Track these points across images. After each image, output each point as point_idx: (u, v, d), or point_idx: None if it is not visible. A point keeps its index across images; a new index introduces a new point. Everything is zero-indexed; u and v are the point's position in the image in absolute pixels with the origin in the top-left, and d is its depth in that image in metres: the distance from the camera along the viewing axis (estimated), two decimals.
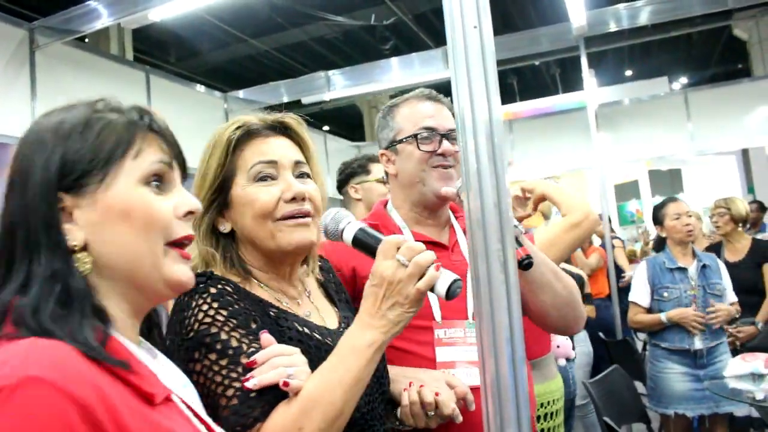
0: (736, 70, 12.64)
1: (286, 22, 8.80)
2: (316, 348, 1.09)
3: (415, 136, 1.51)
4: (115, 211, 0.76)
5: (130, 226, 0.76)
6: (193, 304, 1.04)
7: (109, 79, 5.19)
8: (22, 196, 0.74)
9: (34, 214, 0.73)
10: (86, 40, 6.46)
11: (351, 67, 7.19)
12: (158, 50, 9.41)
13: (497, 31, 0.92)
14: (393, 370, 1.30)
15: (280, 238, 1.13)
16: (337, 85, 6.89)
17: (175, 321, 1.06)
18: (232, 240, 1.18)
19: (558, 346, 2.47)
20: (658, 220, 3.54)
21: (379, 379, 1.19)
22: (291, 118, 1.23)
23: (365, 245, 1.12)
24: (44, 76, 4.50)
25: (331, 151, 8.20)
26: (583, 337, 3.92)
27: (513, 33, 6.57)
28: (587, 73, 5.62)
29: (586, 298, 4.08)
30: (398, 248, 1.05)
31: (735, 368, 3.05)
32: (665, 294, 3.37)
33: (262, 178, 1.15)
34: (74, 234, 0.75)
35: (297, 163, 1.18)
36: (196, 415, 0.81)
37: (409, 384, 1.20)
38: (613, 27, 5.84)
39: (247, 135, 1.19)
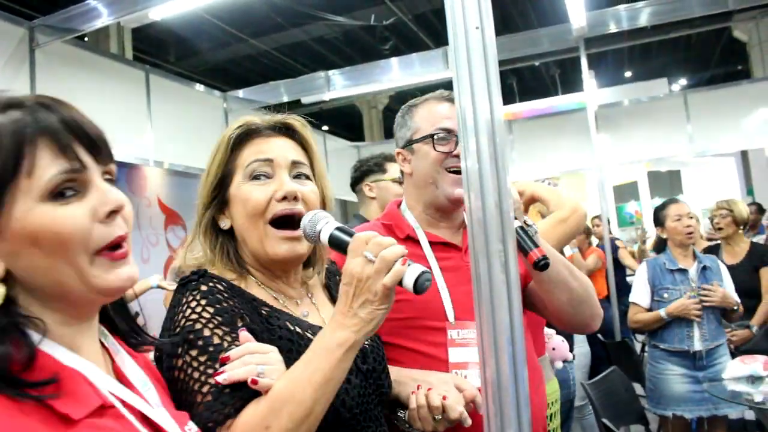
0: (736, 71, 12.68)
1: (286, 22, 8.80)
2: (307, 347, 1.09)
3: (431, 136, 1.51)
4: (22, 238, 0.71)
5: (40, 250, 0.72)
6: (183, 300, 1.06)
7: (109, 78, 5.18)
8: None
9: None
10: (86, 39, 6.46)
11: (351, 67, 7.19)
12: (158, 49, 9.41)
13: (497, 32, 0.92)
14: (402, 373, 1.30)
15: (268, 246, 1.14)
16: (336, 85, 6.88)
17: (167, 317, 1.08)
18: (232, 237, 1.20)
19: (554, 349, 2.45)
20: (659, 221, 3.54)
21: (376, 381, 1.18)
22: (295, 120, 1.23)
23: (340, 245, 1.09)
24: (44, 74, 4.49)
25: (330, 151, 8.20)
26: (582, 337, 3.92)
27: (513, 34, 6.57)
28: (587, 74, 5.62)
29: None
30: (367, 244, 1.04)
31: (733, 370, 3.05)
32: (665, 295, 3.37)
33: (257, 177, 1.16)
34: None
35: (295, 164, 1.19)
36: (145, 418, 0.79)
37: (417, 387, 1.20)
38: (612, 28, 5.84)
39: (249, 134, 1.20)
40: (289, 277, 1.21)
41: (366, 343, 1.21)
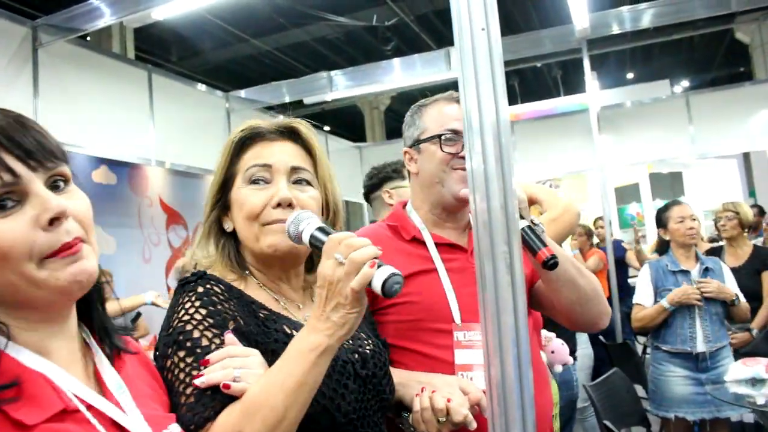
0: (738, 73, 12.65)
1: (288, 23, 8.80)
2: None
3: (439, 136, 1.51)
4: None
5: None
6: (180, 301, 1.07)
7: (111, 78, 5.18)
8: None
9: None
10: (88, 38, 6.46)
11: (353, 68, 7.19)
12: (160, 49, 9.42)
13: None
14: (406, 375, 1.29)
15: (262, 240, 1.14)
16: (338, 86, 6.88)
17: (165, 317, 1.09)
18: (235, 239, 1.20)
19: (552, 352, 2.42)
20: (661, 222, 3.54)
21: (376, 386, 1.17)
22: (299, 123, 1.23)
23: (318, 246, 1.05)
24: (47, 74, 4.50)
25: (332, 152, 8.20)
26: (584, 339, 3.92)
27: (515, 35, 6.57)
28: (589, 76, 5.63)
29: None
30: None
31: (735, 373, 3.05)
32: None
33: (255, 181, 1.17)
34: None
35: (294, 169, 1.18)
36: (113, 423, 0.79)
37: (422, 389, 1.19)
38: (615, 29, 5.84)
39: (252, 138, 1.21)
40: (290, 279, 1.21)
41: (367, 348, 1.20)
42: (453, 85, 0.93)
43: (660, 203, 7.99)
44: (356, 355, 1.16)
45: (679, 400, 3.26)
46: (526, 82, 12.25)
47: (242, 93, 6.97)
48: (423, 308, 1.42)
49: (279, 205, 1.13)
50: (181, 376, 0.99)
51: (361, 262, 0.97)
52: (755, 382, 2.97)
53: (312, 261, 1.25)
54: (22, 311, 0.77)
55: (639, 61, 12.16)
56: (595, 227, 7.01)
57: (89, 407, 0.77)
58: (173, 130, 5.75)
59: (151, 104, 5.54)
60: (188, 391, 0.97)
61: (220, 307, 1.06)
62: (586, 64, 5.63)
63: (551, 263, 1.28)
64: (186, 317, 1.04)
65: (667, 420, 3.35)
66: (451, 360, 1.38)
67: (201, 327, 1.03)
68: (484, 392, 1.19)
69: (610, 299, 5.18)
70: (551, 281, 1.42)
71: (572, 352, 3.05)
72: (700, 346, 3.25)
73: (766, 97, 7.02)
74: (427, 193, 1.55)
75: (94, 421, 0.76)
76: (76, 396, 0.76)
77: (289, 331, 1.11)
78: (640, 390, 3.69)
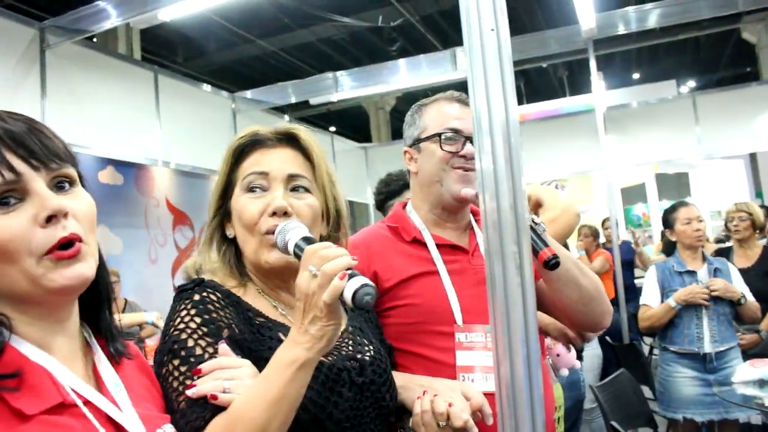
0: (745, 73, 12.61)
1: (294, 23, 8.83)
2: None
3: (438, 135, 1.51)
4: None
5: None
6: (176, 309, 1.08)
7: (118, 79, 5.20)
8: None
9: None
10: (95, 39, 6.49)
11: (358, 69, 7.19)
12: (166, 50, 9.46)
13: None
14: (408, 378, 1.28)
15: (260, 254, 1.14)
16: (344, 86, 6.88)
17: (164, 324, 1.10)
18: (236, 246, 1.21)
19: (558, 355, 2.40)
20: (668, 223, 3.53)
21: (374, 393, 1.16)
22: (299, 129, 1.23)
23: (299, 256, 1.03)
24: (54, 75, 4.52)
25: (338, 152, 8.21)
26: (593, 339, 3.90)
27: (521, 35, 6.55)
28: (595, 76, 5.61)
29: None
30: None
31: (743, 374, 3.03)
32: None
33: (252, 189, 1.17)
34: None
35: (292, 177, 1.17)
36: (108, 420, 0.81)
37: (423, 392, 1.18)
38: (621, 30, 5.81)
39: (252, 144, 1.20)
40: (289, 287, 1.19)
41: (367, 354, 1.19)
42: (458, 86, 0.94)
43: (666, 204, 7.97)
44: (354, 362, 1.15)
45: (688, 401, 3.25)
46: (532, 83, 12.24)
47: (248, 93, 6.98)
48: (425, 311, 1.41)
49: (275, 213, 1.13)
50: (175, 384, 1.00)
51: (332, 274, 0.95)
52: (763, 383, 2.95)
53: None
54: (25, 306, 0.79)
55: (645, 62, 12.13)
56: (603, 228, 6.99)
57: (86, 402, 0.79)
58: (179, 131, 5.76)
59: (157, 105, 5.56)
60: (181, 398, 0.98)
61: (215, 315, 1.07)
62: (592, 64, 5.61)
63: (553, 263, 1.27)
64: (181, 325, 1.05)
65: (675, 421, 3.34)
66: (453, 363, 1.38)
67: (195, 336, 1.03)
68: (486, 394, 1.18)
69: (616, 300, 5.16)
70: (553, 281, 1.41)
71: (580, 352, 3.04)
72: (707, 347, 3.24)
73: None
74: (427, 192, 1.55)
75: (90, 416, 0.78)
76: (74, 391, 0.79)
77: (284, 339, 1.10)
78: (646, 391, 3.68)
